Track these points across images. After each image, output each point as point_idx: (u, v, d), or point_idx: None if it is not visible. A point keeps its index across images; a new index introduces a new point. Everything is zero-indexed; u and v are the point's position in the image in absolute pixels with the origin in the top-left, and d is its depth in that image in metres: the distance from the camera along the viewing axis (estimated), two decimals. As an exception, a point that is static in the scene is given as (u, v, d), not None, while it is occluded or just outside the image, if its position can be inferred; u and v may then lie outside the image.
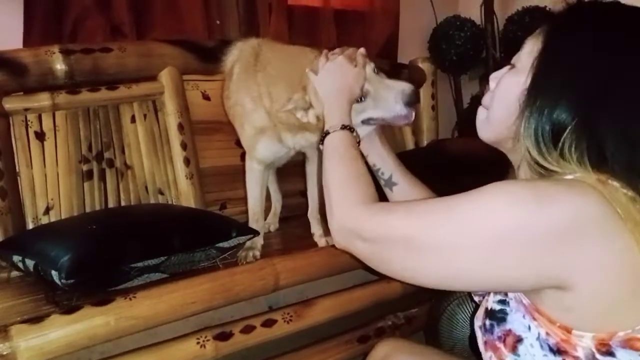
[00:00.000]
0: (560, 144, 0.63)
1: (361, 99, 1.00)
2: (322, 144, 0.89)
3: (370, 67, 1.03)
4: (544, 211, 0.58)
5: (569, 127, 0.63)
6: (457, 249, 0.62)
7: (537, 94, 0.66)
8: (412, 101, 0.98)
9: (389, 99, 0.99)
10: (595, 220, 0.58)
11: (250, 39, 1.40)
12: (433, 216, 0.66)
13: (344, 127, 0.88)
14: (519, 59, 0.73)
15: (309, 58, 1.10)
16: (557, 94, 0.64)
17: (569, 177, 0.62)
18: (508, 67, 0.75)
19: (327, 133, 0.89)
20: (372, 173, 0.99)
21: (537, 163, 0.65)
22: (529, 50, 0.71)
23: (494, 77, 0.77)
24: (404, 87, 1.00)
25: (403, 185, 1.03)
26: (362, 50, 1.06)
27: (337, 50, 1.04)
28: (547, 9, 0.77)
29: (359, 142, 0.90)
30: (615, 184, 0.61)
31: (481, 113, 0.79)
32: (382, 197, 1.03)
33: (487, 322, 0.71)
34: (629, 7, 0.68)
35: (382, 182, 1.04)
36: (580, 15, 0.69)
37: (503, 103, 0.72)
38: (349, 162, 0.84)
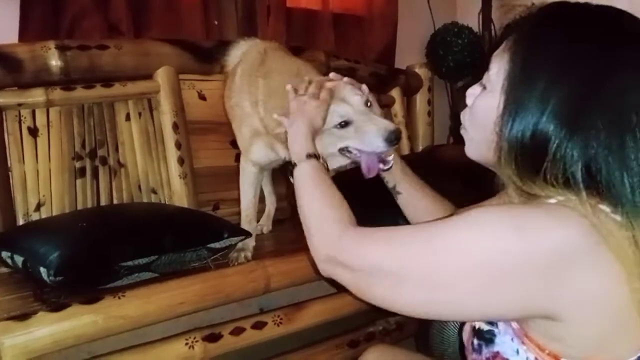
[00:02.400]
0: (542, 169, 0.60)
1: (343, 125, 1.01)
2: (292, 176, 0.88)
3: (361, 98, 1.03)
4: (525, 242, 0.56)
5: (550, 151, 0.59)
6: (438, 280, 0.61)
7: (511, 121, 0.62)
8: (392, 140, 0.98)
9: (371, 132, 1.00)
10: (581, 252, 0.56)
11: (256, 40, 1.41)
12: (412, 246, 0.64)
13: (309, 156, 0.87)
14: (489, 79, 0.69)
15: (313, 76, 1.11)
16: (531, 119, 0.61)
17: (553, 201, 0.60)
18: (480, 86, 0.72)
19: (294, 165, 0.88)
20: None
21: (521, 188, 0.63)
22: (496, 70, 0.67)
23: (470, 94, 0.74)
24: (388, 124, 1.00)
25: (407, 195, 1.05)
26: (346, 79, 1.07)
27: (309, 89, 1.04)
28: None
29: (327, 169, 0.90)
30: (605, 208, 0.58)
31: (462, 132, 0.77)
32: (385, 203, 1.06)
33: (475, 341, 0.70)
34: (591, 7, 0.64)
35: (388, 188, 1.06)
36: (544, 23, 0.65)
37: (480, 128, 0.70)
38: (320, 188, 0.83)
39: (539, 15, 0.66)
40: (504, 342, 0.65)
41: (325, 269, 0.75)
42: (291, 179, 0.89)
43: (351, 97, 1.03)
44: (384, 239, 0.68)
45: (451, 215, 1.00)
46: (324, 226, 0.77)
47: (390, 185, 1.06)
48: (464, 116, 0.75)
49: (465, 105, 0.75)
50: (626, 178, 0.58)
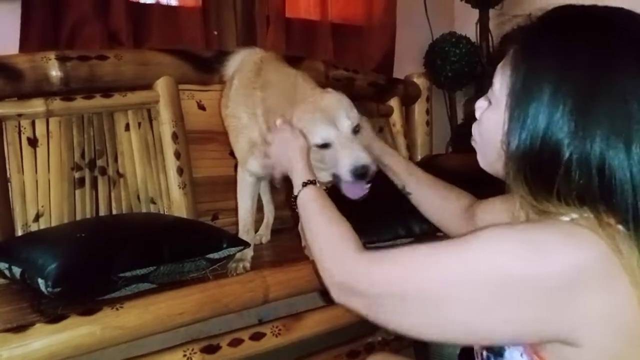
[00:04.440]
0: (555, 185, 0.58)
1: (322, 146, 1.04)
2: (296, 206, 0.90)
3: (351, 124, 1.05)
4: (539, 263, 0.55)
5: (561, 162, 0.58)
6: (451, 302, 0.59)
7: (518, 137, 0.61)
8: (360, 174, 1.01)
9: (342, 161, 1.03)
10: (595, 273, 0.54)
11: (254, 50, 1.41)
12: (422, 267, 0.63)
13: (305, 184, 0.89)
14: (493, 94, 0.68)
15: (308, 90, 1.14)
16: (539, 131, 0.59)
17: (567, 218, 0.59)
18: (486, 100, 0.71)
19: (296, 197, 0.90)
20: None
21: (535, 206, 0.62)
22: (499, 86, 0.67)
23: (478, 107, 0.74)
24: (360, 158, 1.01)
25: (417, 195, 1.10)
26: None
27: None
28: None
29: (326, 189, 0.92)
30: (622, 228, 0.56)
31: (473, 144, 0.76)
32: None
33: (485, 353, 0.69)
34: (592, 10, 0.62)
35: (399, 189, 1.11)
36: (543, 32, 0.63)
37: (490, 144, 0.69)
38: (323, 214, 0.83)
39: (538, 25, 0.65)
40: (514, 356, 0.64)
41: (337, 297, 0.74)
42: (296, 209, 0.90)
43: (341, 121, 1.04)
44: (393, 262, 0.66)
45: (471, 206, 1.02)
46: (334, 253, 0.76)
47: (399, 186, 1.10)
48: (474, 129, 0.75)
49: (474, 118, 0.75)
50: (638, 184, 0.56)
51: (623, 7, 0.62)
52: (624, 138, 0.57)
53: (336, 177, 1.06)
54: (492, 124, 0.68)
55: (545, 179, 0.60)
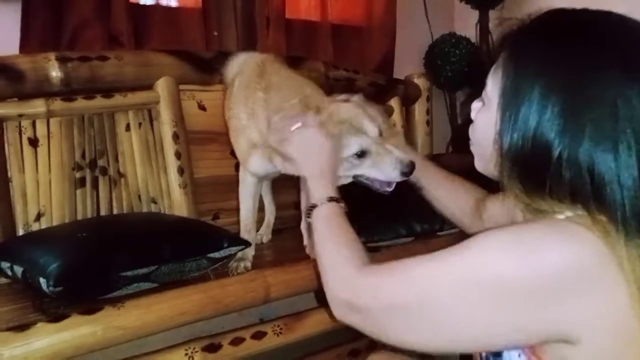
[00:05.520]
0: (547, 183, 0.60)
1: (360, 155, 1.04)
2: (310, 217, 0.87)
3: (377, 129, 1.06)
4: (534, 262, 0.55)
5: (552, 160, 0.59)
6: (451, 310, 0.60)
7: (509, 136, 0.62)
8: (407, 172, 1.04)
9: (388, 163, 1.05)
10: (589, 271, 0.55)
11: (254, 53, 1.42)
12: (424, 280, 0.62)
13: (330, 199, 0.86)
14: (486, 95, 0.69)
15: (318, 97, 1.15)
16: (529, 130, 0.60)
17: (562, 216, 0.60)
18: (481, 101, 0.72)
19: (314, 206, 0.86)
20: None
21: (529, 205, 0.63)
22: (491, 87, 0.67)
23: (473, 108, 0.74)
24: (403, 157, 1.05)
25: (429, 189, 1.09)
26: (356, 98, 1.10)
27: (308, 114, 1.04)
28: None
29: (346, 211, 0.88)
30: (613, 227, 0.57)
31: (470, 146, 0.76)
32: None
33: (484, 353, 0.69)
34: (584, 13, 0.63)
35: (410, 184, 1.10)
36: (533, 34, 0.64)
37: (484, 144, 0.69)
38: (337, 233, 0.81)
39: (529, 27, 0.66)
40: (511, 356, 0.64)
41: (338, 314, 0.73)
42: (308, 220, 0.87)
43: (368, 128, 1.06)
44: (394, 275, 0.66)
45: (482, 200, 1.03)
46: (337, 269, 0.75)
47: (411, 180, 1.09)
48: (470, 131, 0.75)
49: (470, 120, 0.76)
50: (625, 184, 0.57)
51: (613, 12, 0.63)
52: (612, 140, 0.57)
53: (370, 180, 1.08)
54: (484, 124, 0.69)
55: (538, 177, 0.60)
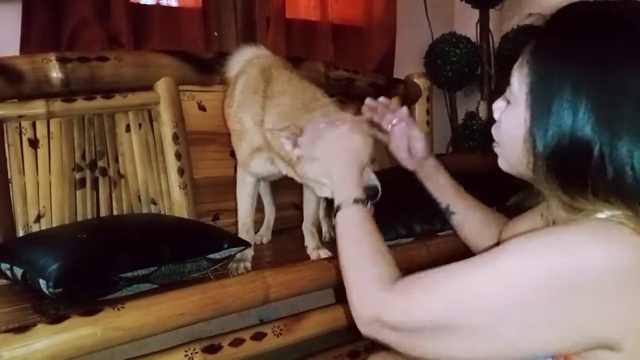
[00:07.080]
0: (589, 179, 0.57)
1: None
2: (335, 217, 0.83)
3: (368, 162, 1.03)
4: (573, 265, 0.54)
5: (592, 166, 0.56)
6: (484, 318, 0.58)
7: (544, 134, 0.60)
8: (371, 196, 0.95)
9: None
10: (631, 273, 0.53)
11: (260, 51, 1.40)
12: (452, 290, 0.60)
13: (356, 201, 0.81)
14: (512, 94, 0.67)
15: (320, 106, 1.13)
16: (566, 127, 0.58)
17: (602, 215, 0.57)
18: (504, 100, 0.70)
19: (339, 208, 0.82)
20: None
21: (567, 203, 0.60)
22: (518, 85, 0.66)
23: (496, 108, 0.72)
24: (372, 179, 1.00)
25: (460, 215, 1.01)
26: (383, 99, 1.11)
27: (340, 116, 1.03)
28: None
29: (373, 215, 0.84)
30: None
31: (494, 147, 0.74)
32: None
33: None
34: (607, 3, 0.62)
35: (441, 209, 1.03)
36: (559, 28, 0.63)
37: (512, 144, 0.67)
38: (362, 240, 0.77)
39: (552, 23, 0.64)
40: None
41: (365, 331, 0.69)
42: (332, 220, 0.85)
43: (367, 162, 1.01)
44: (427, 291, 0.63)
45: (503, 228, 0.95)
46: (362, 283, 0.71)
47: (443, 206, 1.02)
48: (494, 131, 0.74)
49: (493, 120, 0.74)
50: None
51: (635, 0, 0.62)
52: None
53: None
54: (512, 123, 0.67)
55: (578, 175, 0.58)
